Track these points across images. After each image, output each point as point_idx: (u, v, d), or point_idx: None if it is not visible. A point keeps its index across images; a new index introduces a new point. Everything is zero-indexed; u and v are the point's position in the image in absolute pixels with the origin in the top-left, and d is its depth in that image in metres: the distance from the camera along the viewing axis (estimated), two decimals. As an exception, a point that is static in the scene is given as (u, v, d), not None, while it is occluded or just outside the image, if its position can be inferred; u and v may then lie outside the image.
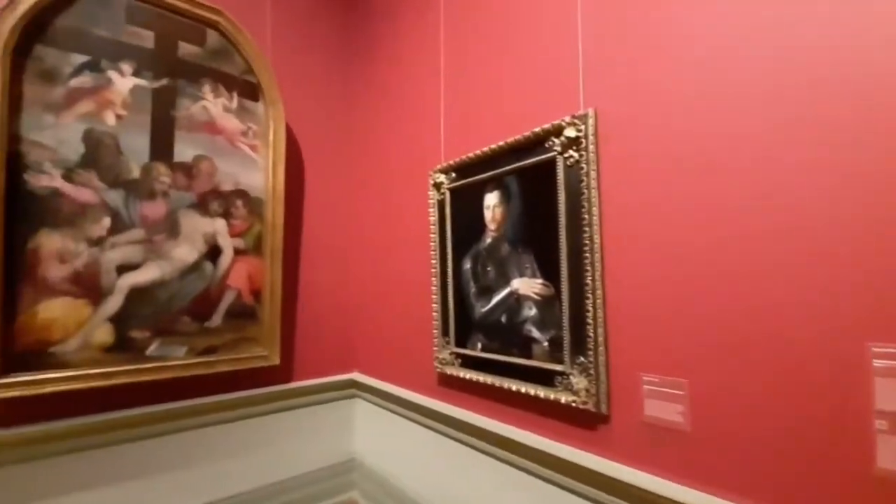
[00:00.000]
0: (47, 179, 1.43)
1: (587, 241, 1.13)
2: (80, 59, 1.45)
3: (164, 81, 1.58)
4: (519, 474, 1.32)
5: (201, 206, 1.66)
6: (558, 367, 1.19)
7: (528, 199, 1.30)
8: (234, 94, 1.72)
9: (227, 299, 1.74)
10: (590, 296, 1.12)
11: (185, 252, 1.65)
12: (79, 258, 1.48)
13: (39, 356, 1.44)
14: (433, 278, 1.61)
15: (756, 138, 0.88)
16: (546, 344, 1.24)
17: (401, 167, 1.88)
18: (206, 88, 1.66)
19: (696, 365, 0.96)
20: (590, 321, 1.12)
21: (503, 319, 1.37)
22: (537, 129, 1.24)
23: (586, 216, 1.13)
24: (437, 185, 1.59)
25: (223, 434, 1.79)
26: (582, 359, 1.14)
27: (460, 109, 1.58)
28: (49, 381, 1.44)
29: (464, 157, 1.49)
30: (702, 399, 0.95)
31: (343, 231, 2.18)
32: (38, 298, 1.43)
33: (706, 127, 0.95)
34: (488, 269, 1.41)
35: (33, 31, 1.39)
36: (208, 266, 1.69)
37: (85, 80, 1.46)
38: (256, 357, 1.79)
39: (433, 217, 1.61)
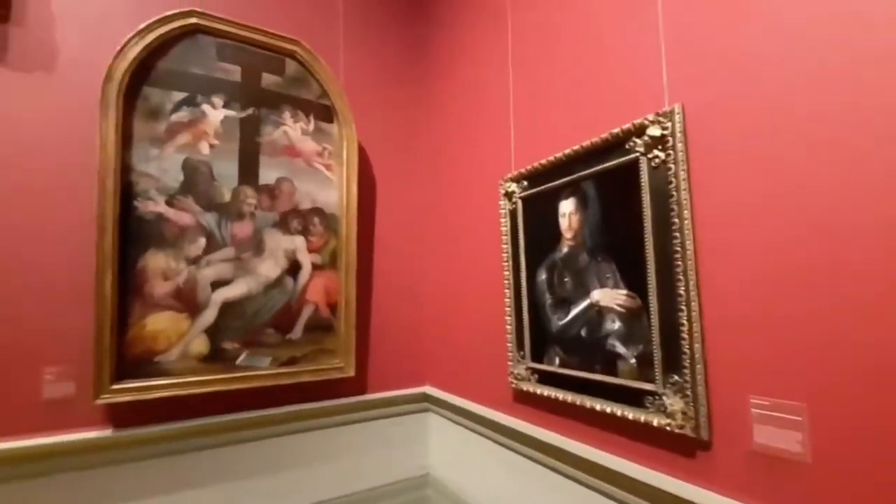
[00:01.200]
0: (153, 205, 1.56)
1: (678, 248, 1.02)
2: (179, 95, 1.59)
3: (249, 111, 1.68)
4: (602, 500, 1.20)
5: (283, 224, 1.74)
6: (649, 387, 1.07)
7: (608, 204, 1.20)
8: (311, 118, 1.79)
9: (307, 312, 1.79)
10: (683, 308, 1.00)
11: (269, 268, 1.72)
12: (179, 275, 1.60)
13: (147, 365, 1.56)
14: (506, 290, 1.54)
15: (882, 112, 0.73)
16: (633, 360, 1.13)
17: (470, 178, 1.85)
18: (287, 114, 1.75)
19: (819, 388, 0.81)
20: (684, 335, 1.00)
21: (583, 333, 1.27)
22: (616, 131, 1.15)
23: (676, 220, 1.02)
24: (509, 195, 1.54)
25: (303, 443, 1.83)
26: (676, 377, 1.02)
27: (530, 115, 1.53)
28: (155, 387, 1.55)
29: (535, 164, 1.42)
30: (826, 427, 0.80)
31: (414, 244, 2.18)
32: (145, 312, 1.56)
33: (815, 108, 0.81)
34: (565, 279, 1.32)
35: (140, 74, 1.54)
36: (289, 281, 1.76)
37: (183, 114, 1.59)
38: (333, 368, 1.83)
39: (505, 227, 1.55)
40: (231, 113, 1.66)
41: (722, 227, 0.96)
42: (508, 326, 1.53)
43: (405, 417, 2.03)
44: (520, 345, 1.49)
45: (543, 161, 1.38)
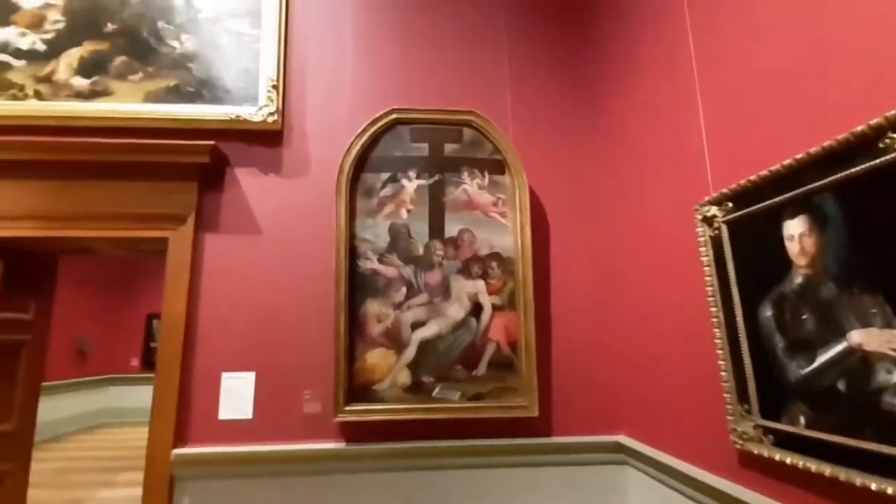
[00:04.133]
0: (369, 263, 1.85)
1: None
2: (385, 175, 1.89)
3: (436, 177, 1.89)
4: None
5: (465, 270, 1.84)
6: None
7: (859, 221, 0.88)
8: (486, 173, 1.90)
9: (489, 351, 1.81)
10: None
11: (456, 310, 1.82)
12: (388, 318, 1.82)
13: (368, 392, 1.79)
14: (715, 329, 1.25)
15: None
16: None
17: (657, 209, 1.63)
18: (465, 174, 1.90)
19: None
20: None
21: (840, 386, 0.92)
22: (860, 128, 0.85)
23: None
24: (708, 220, 1.28)
25: (488, 478, 1.79)
26: None
27: (729, 126, 1.27)
28: (374, 411, 1.76)
29: (742, 181, 1.15)
30: None
31: (599, 282, 1.98)
32: (366, 349, 1.82)
33: None
34: (803, 316, 0.99)
35: (359, 164, 1.89)
36: (473, 321, 1.82)
37: (388, 190, 1.89)
38: (517, 406, 1.77)
39: (706, 257, 1.29)
40: (422, 182, 1.89)
41: None
42: (724, 373, 1.22)
43: (597, 468, 1.79)
44: (742, 397, 1.16)
45: (753, 177, 1.11)
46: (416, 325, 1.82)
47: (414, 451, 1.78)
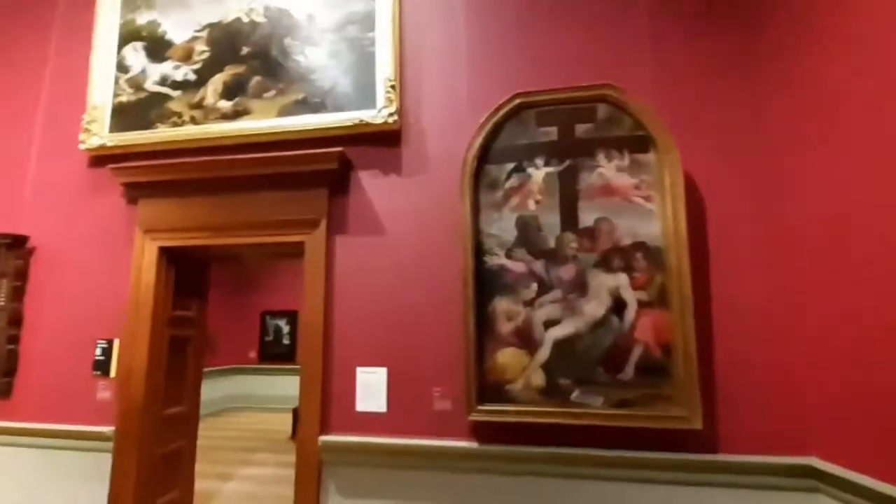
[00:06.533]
0: (496, 259, 1.73)
1: None
2: (509, 166, 1.76)
3: (567, 163, 1.70)
4: None
5: (604, 263, 1.63)
6: None
7: None
8: (625, 153, 1.66)
9: (636, 353, 1.58)
10: None
11: (594, 307, 1.62)
12: (519, 316, 1.69)
13: (499, 392, 1.68)
14: None
15: None
16: None
17: (858, 177, 1.27)
18: (601, 157, 1.68)
19: None
20: None
21: None
22: None
23: None
24: None
25: (637, 493, 1.58)
26: None
27: None
28: (508, 412, 1.66)
29: None
30: None
31: (774, 277, 1.62)
32: (496, 348, 1.71)
33: None
34: None
35: (482, 157, 1.77)
36: (615, 320, 1.61)
37: (513, 181, 1.75)
38: (674, 417, 1.52)
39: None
40: (551, 169, 1.71)
41: None
42: None
43: (779, 494, 1.48)
44: None
45: None
46: (549, 324, 1.66)
47: (552, 456, 1.64)
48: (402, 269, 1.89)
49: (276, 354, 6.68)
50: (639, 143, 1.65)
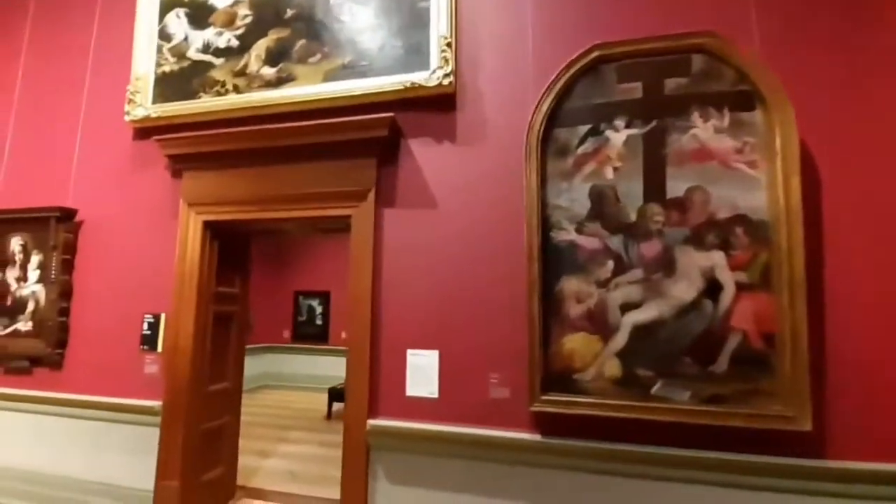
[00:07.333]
0: (565, 234, 1.54)
1: None
2: (583, 129, 1.55)
3: (653, 124, 1.48)
4: None
5: (696, 239, 1.42)
6: None
7: None
8: (725, 111, 1.42)
9: (732, 342, 1.37)
10: None
11: (683, 289, 1.41)
12: (591, 298, 1.51)
13: (567, 381, 1.52)
14: None
15: None
16: None
17: None
18: (695, 115, 1.44)
19: None
20: None
21: None
22: None
23: None
24: None
25: (725, 499, 1.38)
26: None
27: None
28: (576, 404, 1.49)
29: None
30: None
31: None
32: (563, 332, 1.53)
33: None
34: None
35: (550, 120, 1.57)
36: (707, 304, 1.39)
37: (587, 145, 1.54)
38: (776, 417, 1.31)
39: None
40: (633, 131, 1.49)
41: None
42: None
43: (905, 509, 1.25)
44: None
45: None
46: (627, 307, 1.47)
47: (626, 454, 1.47)
48: (456, 245, 1.73)
49: (309, 335, 6.71)
50: (742, 99, 1.40)
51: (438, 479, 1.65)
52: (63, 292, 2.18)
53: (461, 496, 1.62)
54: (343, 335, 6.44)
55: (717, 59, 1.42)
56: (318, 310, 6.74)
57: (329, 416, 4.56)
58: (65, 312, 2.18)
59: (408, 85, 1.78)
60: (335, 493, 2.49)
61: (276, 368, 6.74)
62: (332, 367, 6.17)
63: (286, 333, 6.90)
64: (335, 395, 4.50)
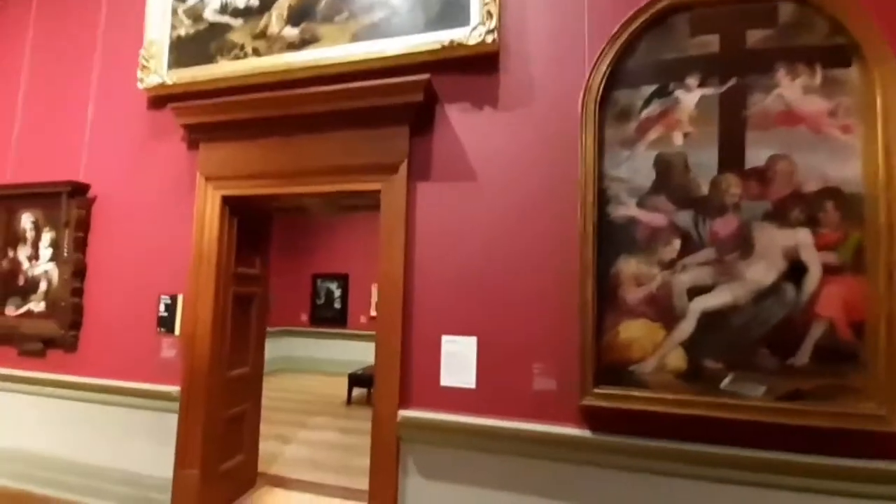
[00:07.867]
0: (624, 209, 1.39)
1: None
2: (648, 90, 1.38)
3: (731, 82, 1.30)
4: None
5: (778, 215, 1.25)
6: None
7: None
8: (817, 68, 1.24)
9: (816, 331, 1.22)
10: None
11: (760, 272, 1.25)
12: (653, 281, 1.36)
13: (622, 373, 1.38)
14: None
15: None
16: None
17: None
18: (781, 73, 1.27)
19: None
20: None
21: None
22: None
23: None
24: None
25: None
26: None
27: None
28: (633, 398, 1.36)
29: None
30: None
31: None
32: (618, 319, 1.39)
33: None
34: None
35: (610, 80, 1.40)
36: (789, 288, 1.24)
37: (653, 108, 1.37)
38: (866, 416, 1.17)
39: None
40: (708, 91, 1.32)
41: None
42: None
43: None
44: None
45: None
46: (695, 292, 1.32)
47: (691, 455, 1.33)
48: (497, 222, 1.58)
49: (327, 318, 6.61)
50: (837, 54, 1.22)
51: (475, 476, 1.53)
52: (76, 271, 2.08)
53: (500, 494, 1.50)
54: (362, 319, 6.37)
55: (808, 6, 1.23)
56: (337, 293, 6.63)
57: (349, 401, 4.48)
58: (78, 293, 2.08)
59: (445, 44, 1.61)
60: (358, 483, 2.41)
61: (293, 352, 6.69)
62: (350, 352, 6.09)
63: (304, 317, 6.82)
64: (355, 380, 4.41)
